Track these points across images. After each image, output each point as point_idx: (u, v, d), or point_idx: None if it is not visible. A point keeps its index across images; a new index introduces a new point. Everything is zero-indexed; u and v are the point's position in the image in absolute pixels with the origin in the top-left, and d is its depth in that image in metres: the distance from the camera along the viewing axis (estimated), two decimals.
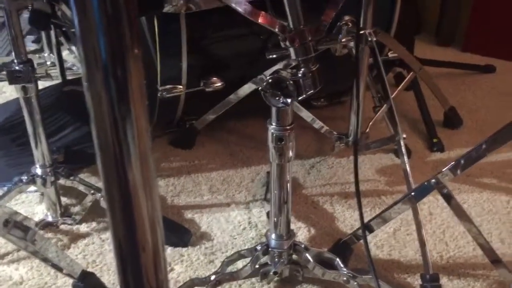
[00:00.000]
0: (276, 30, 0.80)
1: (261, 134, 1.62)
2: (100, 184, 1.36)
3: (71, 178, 1.25)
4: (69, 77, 2.11)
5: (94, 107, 0.39)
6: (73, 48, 2.23)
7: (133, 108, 0.39)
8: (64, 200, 1.33)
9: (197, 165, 1.54)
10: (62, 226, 1.27)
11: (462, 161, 0.94)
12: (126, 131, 0.40)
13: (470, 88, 2.03)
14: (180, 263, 1.16)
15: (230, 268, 1.07)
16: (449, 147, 1.60)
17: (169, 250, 1.18)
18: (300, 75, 0.85)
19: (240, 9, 0.74)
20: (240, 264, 1.09)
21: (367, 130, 1.43)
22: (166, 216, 1.27)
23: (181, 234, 1.21)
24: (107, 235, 1.24)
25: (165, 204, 1.35)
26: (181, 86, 1.41)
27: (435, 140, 1.61)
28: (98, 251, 1.19)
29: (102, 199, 1.23)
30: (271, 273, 1.02)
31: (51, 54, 2.20)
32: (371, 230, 1.09)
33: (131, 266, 0.46)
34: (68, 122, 1.61)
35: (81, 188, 1.27)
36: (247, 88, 1.44)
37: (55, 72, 2.02)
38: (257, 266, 1.04)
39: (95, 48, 0.37)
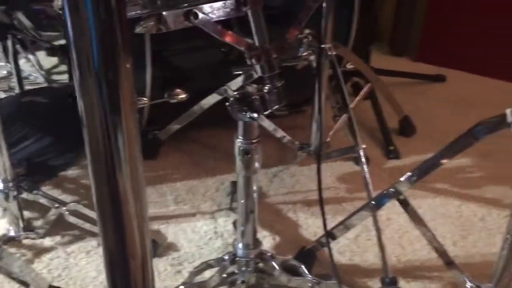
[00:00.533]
0: (243, 48, 0.83)
1: (225, 144, 1.65)
2: (63, 197, 1.35)
3: (34, 192, 1.24)
4: (26, 86, 2.07)
5: (86, 113, 0.40)
6: (31, 56, 2.19)
7: (124, 113, 0.40)
8: (27, 214, 1.31)
9: (161, 175, 1.55)
10: (25, 241, 1.25)
11: (418, 171, 1.00)
12: (117, 138, 0.41)
13: (422, 96, 2.13)
14: None
15: (198, 278, 1.09)
16: (405, 154, 1.68)
17: None
18: (265, 90, 0.88)
19: (208, 29, 0.77)
20: (207, 274, 1.11)
21: (328, 139, 1.48)
22: None
23: None
24: (72, 249, 1.23)
25: None
26: (145, 98, 1.41)
27: (391, 148, 1.69)
28: (63, 265, 1.18)
29: (67, 212, 1.22)
30: (239, 282, 1.05)
31: (7, 63, 2.15)
32: (334, 238, 1.13)
33: (121, 273, 0.47)
34: (28, 133, 1.58)
35: (44, 201, 1.26)
36: (211, 99, 1.46)
37: (13, 82, 1.98)
38: (224, 275, 1.06)
39: (88, 53, 0.38)
